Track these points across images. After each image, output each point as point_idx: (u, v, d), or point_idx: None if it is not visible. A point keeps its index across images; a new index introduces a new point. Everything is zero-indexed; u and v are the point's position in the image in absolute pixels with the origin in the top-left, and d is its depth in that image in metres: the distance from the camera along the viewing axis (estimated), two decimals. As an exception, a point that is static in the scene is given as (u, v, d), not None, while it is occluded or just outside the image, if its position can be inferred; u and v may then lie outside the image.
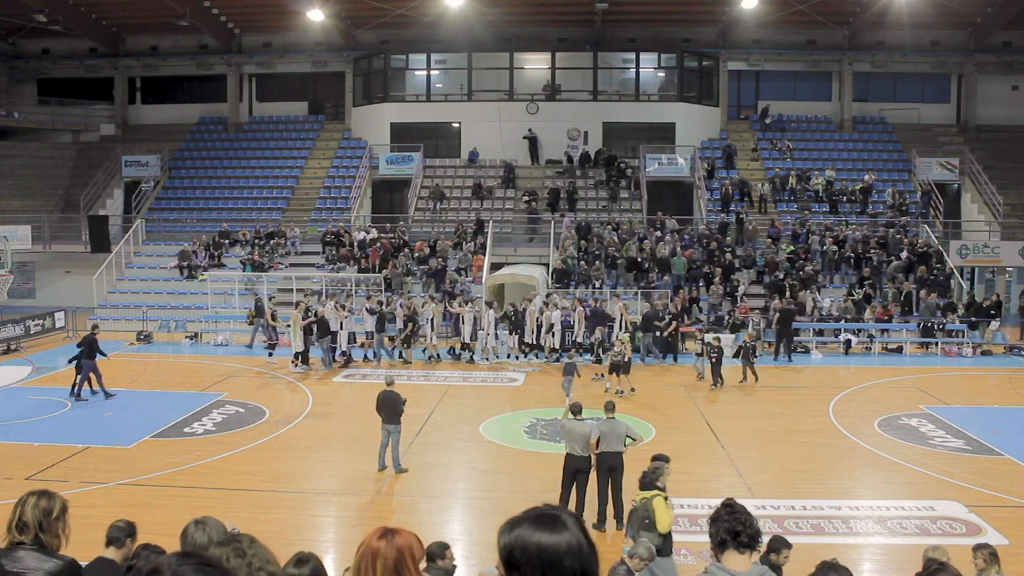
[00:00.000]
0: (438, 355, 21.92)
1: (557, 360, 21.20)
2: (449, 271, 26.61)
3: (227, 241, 29.64)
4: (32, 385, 19.13)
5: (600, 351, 21.25)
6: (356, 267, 27.48)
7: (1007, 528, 10.48)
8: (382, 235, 28.77)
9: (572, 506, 10.59)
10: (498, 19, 31.87)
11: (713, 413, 16.75)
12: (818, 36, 33.84)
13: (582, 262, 26.69)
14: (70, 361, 17.48)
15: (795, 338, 22.90)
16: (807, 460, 13.66)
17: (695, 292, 25.48)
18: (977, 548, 6.93)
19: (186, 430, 15.12)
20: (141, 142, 35.17)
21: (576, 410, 11.06)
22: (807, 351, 23.40)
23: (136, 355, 22.63)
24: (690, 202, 32.29)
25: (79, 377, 17.20)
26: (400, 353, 21.89)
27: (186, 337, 24.51)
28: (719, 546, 3.33)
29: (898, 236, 27.37)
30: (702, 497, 11.43)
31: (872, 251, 26.91)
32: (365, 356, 21.87)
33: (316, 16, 30.69)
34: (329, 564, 3.31)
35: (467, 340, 21.91)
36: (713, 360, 18.79)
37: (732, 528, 3.28)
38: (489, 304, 22.32)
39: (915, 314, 24.16)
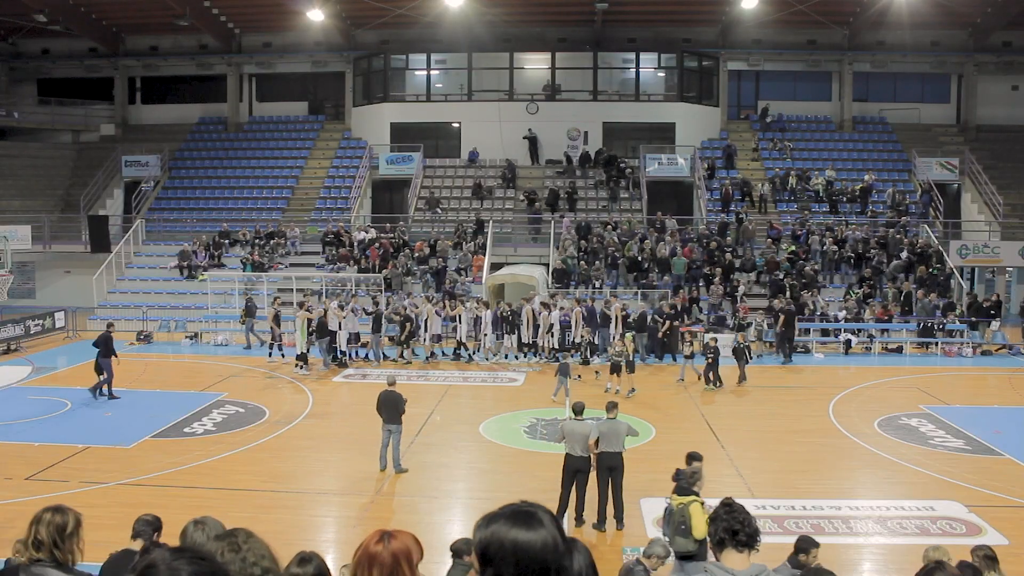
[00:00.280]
0: (433, 354, 21.87)
1: (555, 360, 21.22)
2: (449, 271, 26.61)
3: (227, 241, 29.64)
4: (32, 385, 19.14)
5: (587, 352, 21.26)
6: (356, 267, 27.48)
7: (1007, 528, 10.48)
8: (381, 235, 28.76)
9: (572, 506, 10.60)
10: (498, 19, 31.88)
11: (713, 413, 16.75)
12: (818, 36, 33.84)
13: (582, 262, 26.69)
14: (96, 369, 17.44)
15: (795, 338, 22.88)
16: (807, 460, 13.66)
17: (695, 292, 25.48)
18: (974, 551, 6.91)
19: (186, 430, 15.12)
20: (141, 142, 35.18)
21: (578, 410, 11.07)
22: (807, 351, 23.41)
23: (136, 355, 22.61)
24: (690, 202, 32.29)
25: (103, 377, 17.26)
26: (402, 353, 21.88)
27: (186, 337, 24.51)
28: (718, 545, 3.33)
29: (898, 236, 27.36)
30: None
31: (872, 251, 26.91)
32: (366, 356, 21.85)
33: (316, 16, 30.69)
34: (330, 564, 3.30)
35: (463, 339, 21.91)
36: (709, 360, 18.75)
37: (731, 527, 3.29)
38: (486, 304, 22.34)
39: (915, 314, 24.17)
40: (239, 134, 35.94)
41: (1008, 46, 33.39)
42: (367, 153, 33.32)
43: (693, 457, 9.02)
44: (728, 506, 3.41)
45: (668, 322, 22.11)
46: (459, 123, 34.44)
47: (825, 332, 24.00)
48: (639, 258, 26.67)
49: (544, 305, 21.94)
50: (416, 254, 27.69)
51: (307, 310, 20.60)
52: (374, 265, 27.22)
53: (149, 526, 5.83)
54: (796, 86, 35.11)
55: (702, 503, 8.16)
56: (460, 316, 21.89)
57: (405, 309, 21.98)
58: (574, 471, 10.50)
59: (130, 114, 37.10)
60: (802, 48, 34.25)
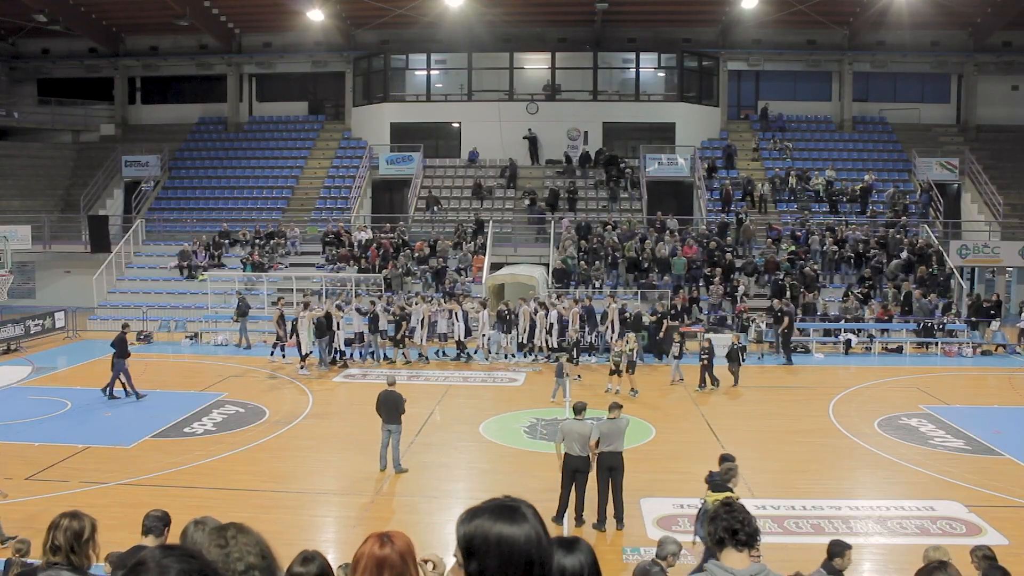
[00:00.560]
0: (427, 357, 21.89)
1: (555, 360, 21.25)
2: (449, 271, 26.61)
3: (227, 241, 29.64)
4: (32, 385, 19.14)
5: (574, 352, 21.28)
6: (356, 267, 27.48)
7: (1007, 528, 10.48)
8: (382, 235, 28.76)
9: (572, 506, 10.60)
10: (498, 19, 31.87)
11: (713, 413, 16.75)
12: (818, 36, 33.83)
13: (582, 262, 26.69)
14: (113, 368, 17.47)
15: (795, 338, 22.88)
16: (807, 460, 13.66)
17: (695, 292, 25.47)
18: (973, 551, 6.89)
19: (186, 430, 15.13)
20: (141, 142, 35.17)
21: (578, 409, 11.07)
22: (807, 351, 23.41)
23: (136, 355, 22.55)
24: (690, 202, 32.29)
25: (122, 378, 17.31)
26: (385, 354, 21.89)
27: (186, 337, 24.51)
28: (718, 544, 3.34)
29: (898, 236, 27.36)
30: (702, 497, 11.43)
31: (872, 251, 26.91)
32: (360, 354, 21.83)
33: (316, 16, 30.69)
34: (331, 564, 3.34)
35: (461, 339, 21.91)
36: (704, 361, 18.68)
37: (730, 526, 3.29)
38: (483, 304, 22.35)
39: (913, 314, 24.17)
40: (239, 134, 35.93)
41: (1008, 46, 33.38)
42: (367, 153, 33.32)
43: (726, 459, 8.97)
44: (728, 505, 3.41)
45: (664, 322, 22.07)
46: (459, 123, 34.43)
47: (827, 332, 23.98)
48: (639, 258, 26.66)
49: (540, 304, 21.93)
50: (416, 254, 27.69)
51: (312, 310, 20.64)
52: (374, 265, 27.23)
53: (160, 521, 5.92)
54: (796, 86, 35.10)
55: (736, 499, 8.19)
56: (457, 314, 21.88)
57: (402, 309, 21.99)
58: (573, 471, 10.50)
59: (130, 114, 37.09)
60: (802, 48, 34.24)
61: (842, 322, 23.83)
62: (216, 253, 28.89)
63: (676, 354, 19.42)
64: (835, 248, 27.08)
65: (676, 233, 28.24)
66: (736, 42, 34.02)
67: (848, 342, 23.18)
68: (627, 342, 18.61)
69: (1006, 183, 30.88)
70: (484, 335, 21.95)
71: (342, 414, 16.87)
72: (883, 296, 25.06)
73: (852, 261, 26.92)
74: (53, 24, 31.65)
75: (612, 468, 10.49)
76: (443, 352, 22.38)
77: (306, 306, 20.89)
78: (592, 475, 10.59)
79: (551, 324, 21.65)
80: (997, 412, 16.87)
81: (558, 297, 23.35)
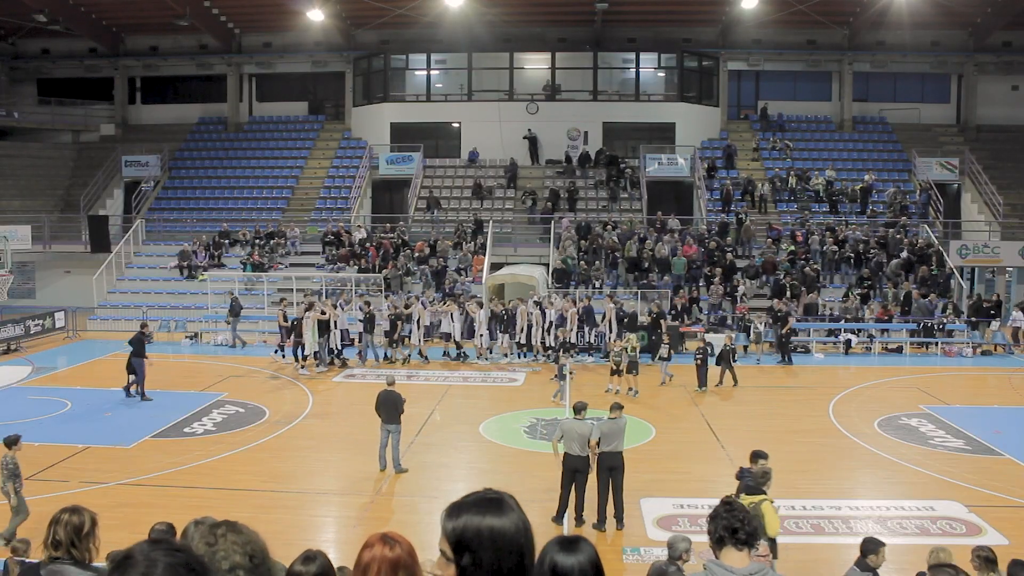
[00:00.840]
0: (426, 356, 21.90)
1: (553, 360, 21.30)
2: (449, 271, 26.62)
3: (227, 241, 29.64)
4: (32, 385, 19.13)
5: (560, 352, 21.27)
6: (356, 267, 27.48)
7: (1007, 528, 10.49)
8: (382, 235, 28.75)
9: (572, 506, 10.60)
10: (498, 19, 31.87)
11: (713, 413, 16.75)
12: (818, 36, 33.83)
13: (582, 262, 26.69)
14: (128, 369, 17.50)
15: (795, 338, 22.87)
16: (807, 460, 13.65)
17: (695, 292, 25.46)
18: (974, 552, 6.88)
19: (186, 430, 15.13)
20: (141, 142, 35.17)
21: (578, 408, 11.07)
22: (807, 351, 23.41)
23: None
24: (690, 202, 32.29)
25: (135, 377, 17.33)
26: (386, 354, 21.90)
27: (186, 337, 24.51)
28: (717, 543, 3.34)
29: (898, 236, 27.36)
30: (702, 497, 11.44)
31: (872, 251, 26.91)
32: (358, 353, 21.81)
33: (316, 16, 30.69)
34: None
35: (457, 339, 21.89)
36: (698, 362, 18.61)
37: (730, 525, 3.30)
38: (480, 303, 22.36)
39: (911, 314, 24.17)
40: (239, 134, 35.94)
41: (1008, 46, 33.39)
42: (367, 153, 33.32)
43: (759, 455, 8.93)
44: (728, 505, 3.42)
45: (660, 322, 22.03)
46: (459, 123, 34.44)
47: (828, 332, 23.96)
48: (639, 258, 26.64)
49: (537, 304, 21.92)
50: (416, 254, 27.68)
51: (316, 310, 20.68)
52: (374, 265, 27.23)
53: (163, 535, 5.94)
54: (796, 86, 35.11)
55: (771, 501, 8.17)
56: (453, 315, 21.87)
57: (397, 308, 21.98)
58: (573, 471, 10.50)
59: (130, 114, 37.09)
60: (802, 48, 34.25)
61: (842, 322, 23.82)
62: (216, 253, 28.90)
63: (664, 355, 19.21)
64: (835, 248, 27.07)
65: (676, 233, 28.22)
66: (736, 42, 34.02)
67: (848, 342, 23.18)
68: (627, 342, 18.57)
69: (1006, 183, 30.89)
70: (481, 335, 21.95)
71: (342, 414, 16.87)
72: (883, 296, 25.06)
73: (852, 261, 26.91)
74: (53, 24, 31.66)
75: (612, 468, 10.49)
76: (445, 353, 22.36)
77: (310, 306, 20.91)
78: (592, 475, 10.58)
79: (550, 323, 21.64)
80: (997, 412, 16.87)
81: (561, 296, 23.32)
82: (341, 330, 21.51)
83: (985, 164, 31.31)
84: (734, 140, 33.71)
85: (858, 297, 24.54)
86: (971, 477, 12.51)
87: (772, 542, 8.09)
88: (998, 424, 15.54)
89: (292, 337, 20.61)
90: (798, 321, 23.57)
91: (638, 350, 18.56)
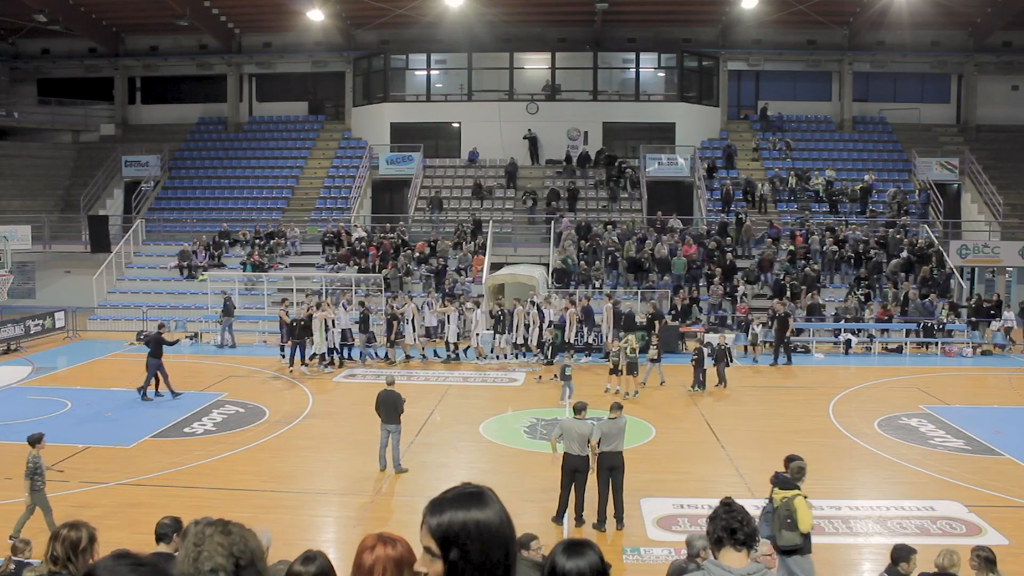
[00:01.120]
0: (423, 355, 21.90)
1: (546, 361, 21.34)
2: (449, 271, 26.62)
3: (227, 241, 29.64)
4: (32, 385, 19.13)
5: (548, 352, 21.26)
6: (356, 267, 27.49)
7: (1007, 528, 10.49)
8: (383, 236, 28.75)
9: (572, 506, 10.60)
10: (498, 19, 31.87)
11: (713, 413, 16.75)
12: (818, 36, 33.83)
13: (582, 262, 26.69)
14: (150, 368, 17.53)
15: (795, 338, 22.84)
16: (807, 460, 13.60)
17: (695, 292, 25.46)
18: (973, 552, 6.86)
19: (186, 430, 15.13)
20: (141, 142, 35.17)
21: (579, 408, 11.07)
22: (807, 351, 23.40)
23: (136, 355, 22.59)
24: (690, 202, 32.29)
25: (147, 377, 17.35)
26: (385, 353, 21.91)
27: (186, 337, 24.49)
28: (716, 543, 3.34)
29: (898, 236, 27.36)
30: (702, 497, 11.45)
31: (872, 251, 26.90)
32: (352, 355, 21.79)
33: (316, 16, 30.69)
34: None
35: (452, 340, 21.90)
36: (694, 362, 18.53)
37: (729, 526, 3.30)
38: (477, 303, 22.36)
39: (907, 314, 24.16)
40: (239, 134, 35.94)
41: (1008, 46, 33.38)
42: (367, 153, 33.32)
43: (793, 459, 8.85)
44: (727, 505, 3.41)
45: (656, 322, 22.00)
46: (459, 123, 34.44)
47: (836, 332, 23.90)
48: (639, 258, 26.62)
49: (533, 304, 21.92)
50: (416, 254, 27.68)
51: (323, 310, 20.72)
52: (374, 265, 27.23)
53: (169, 528, 6.02)
54: (796, 86, 35.10)
55: (805, 496, 8.13)
56: (449, 316, 21.87)
57: (393, 308, 21.97)
58: (572, 470, 10.50)
59: (130, 114, 37.09)
60: (802, 48, 34.25)
61: (842, 322, 23.81)
62: (216, 253, 28.90)
63: (653, 357, 18.97)
64: (835, 248, 27.07)
65: (676, 233, 28.21)
66: (736, 42, 34.02)
67: (848, 342, 23.17)
68: (626, 343, 18.48)
69: (1006, 183, 30.88)
70: (477, 334, 21.95)
71: (342, 414, 16.86)
72: (883, 296, 25.06)
73: (852, 261, 26.91)
74: (53, 24, 31.65)
75: (612, 468, 10.49)
76: (435, 352, 22.37)
77: (318, 306, 20.95)
78: (592, 475, 10.58)
79: (549, 323, 21.62)
80: (997, 412, 16.87)
81: (560, 297, 23.31)
82: (343, 330, 21.52)
83: (985, 164, 31.31)
84: (734, 140, 33.70)
85: (860, 297, 24.54)
86: (971, 477, 12.51)
87: (805, 537, 8.03)
88: (998, 424, 15.54)
89: (291, 338, 20.57)
90: (802, 321, 23.60)
91: (637, 351, 18.46)
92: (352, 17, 33.47)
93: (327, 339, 20.99)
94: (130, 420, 15.78)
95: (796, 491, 8.16)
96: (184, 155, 35.24)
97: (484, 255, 27.30)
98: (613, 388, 18.08)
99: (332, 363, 21.11)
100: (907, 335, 23.86)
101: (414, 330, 21.84)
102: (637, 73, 34.58)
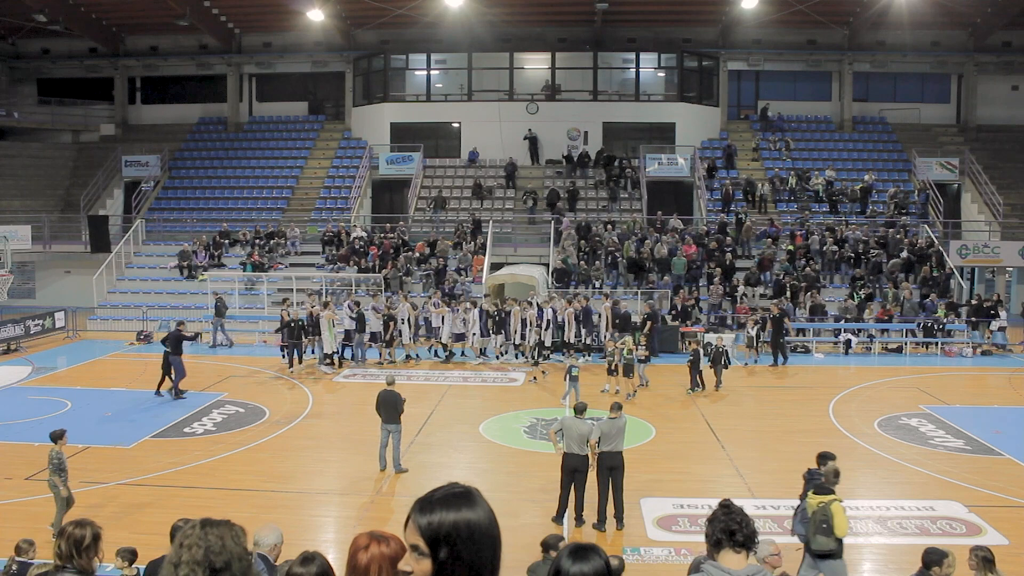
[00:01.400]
0: (410, 356, 21.90)
1: (534, 362, 21.38)
2: (449, 271, 26.62)
3: (227, 241, 29.64)
4: (32, 385, 19.13)
5: (534, 354, 21.23)
6: (356, 267, 27.49)
7: (1007, 528, 10.49)
8: (383, 236, 28.74)
9: (571, 506, 10.60)
10: (498, 19, 31.87)
11: (713, 413, 16.74)
12: (818, 36, 33.84)
13: (582, 262, 26.69)
14: (164, 368, 17.53)
15: (795, 338, 22.81)
16: (807, 460, 13.58)
17: (695, 292, 25.45)
18: (972, 552, 6.84)
19: (186, 430, 15.13)
20: (141, 142, 35.18)
21: (579, 409, 11.07)
22: (807, 351, 23.39)
23: (136, 355, 22.63)
24: (690, 202, 32.29)
25: (174, 376, 17.37)
26: (379, 353, 21.91)
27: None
28: (715, 545, 3.34)
29: (898, 236, 27.36)
30: (702, 497, 11.45)
31: (872, 251, 26.90)
32: (352, 357, 21.81)
33: (316, 16, 30.69)
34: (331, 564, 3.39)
35: (445, 340, 21.89)
36: (690, 364, 18.50)
37: (728, 527, 3.29)
38: (473, 303, 22.37)
39: (901, 314, 24.14)
40: (239, 134, 35.94)
41: (1008, 46, 33.39)
42: (367, 153, 33.32)
43: (827, 457, 8.84)
44: (726, 507, 3.41)
45: (648, 323, 21.99)
46: (459, 123, 34.44)
47: (836, 332, 23.88)
48: (640, 258, 26.60)
49: (528, 304, 21.91)
50: (416, 254, 27.68)
51: (331, 310, 20.76)
52: (374, 265, 27.23)
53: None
54: (796, 86, 35.11)
55: (840, 500, 8.11)
56: (443, 317, 21.85)
57: (388, 308, 21.98)
58: (572, 470, 10.50)
59: (130, 114, 37.10)
60: (802, 48, 34.25)
61: (842, 322, 23.81)
62: (216, 253, 28.90)
63: (640, 357, 18.82)
64: (835, 248, 27.06)
65: (676, 233, 28.19)
66: (736, 42, 34.02)
67: (848, 342, 23.16)
68: (623, 345, 18.41)
69: (1006, 183, 30.88)
70: (474, 334, 21.96)
71: (342, 414, 16.87)
72: (883, 296, 25.06)
73: (852, 261, 26.91)
74: (53, 24, 31.65)
75: (612, 468, 10.49)
76: (435, 352, 22.37)
77: (325, 306, 20.98)
78: (592, 475, 10.58)
79: (547, 322, 21.61)
80: (997, 412, 16.87)
81: (560, 297, 23.29)
82: (345, 331, 21.52)
83: (985, 164, 31.31)
84: (734, 140, 33.70)
85: (862, 297, 24.52)
86: (971, 477, 12.51)
87: (839, 542, 8.01)
88: (998, 424, 15.54)
89: (291, 338, 20.56)
90: (805, 321, 23.58)
91: (634, 352, 18.41)
92: (352, 17, 33.47)
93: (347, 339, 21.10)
94: (130, 420, 15.77)
95: (833, 496, 8.13)
96: (184, 155, 35.25)
97: (484, 255, 27.30)
98: (612, 388, 18.07)
99: (332, 363, 21.11)
100: (905, 335, 23.83)
101: (410, 329, 21.84)
102: (637, 73, 34.58)
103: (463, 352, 22.24)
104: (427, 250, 27.74)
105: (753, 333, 22.07)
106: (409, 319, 21.83)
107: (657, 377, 19.74)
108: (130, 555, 7.33)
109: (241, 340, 24.09)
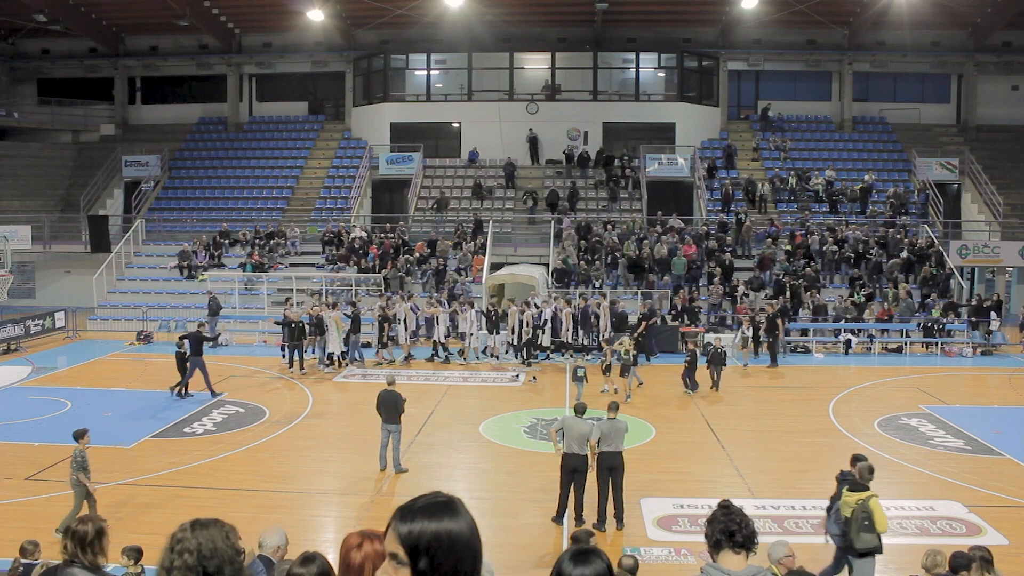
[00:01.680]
0: (412, 355, 21.91)
1: (527, 362, 21.38)
2: (449, 271, 26.62)
3: (227, 241, 29.64)
4: (32, 385, 19.13)
5: (525, 354, 21.20)
6: (356, 267, 27.49)
7: (1007, 528, 10.49)
8: (383, 236, 28.75)
9: (571, 506, 10.60)
10: (498, 19, 31.87)
11: (713, 413, 16.75)
12: (818, 36, 33.84)
13: (582, 262, 26.69)
14: (184, 363, 17.56)
15: (795, 338, 22.79)
16: (807, 460, 13.65)
17: (695, 292, 25.45)
18: (970, 551, 6.84)
19: (186, 430, 15.13)
20: (141, 142, 35.18)
21: (579, 410, 11.07)
22: (807, 351, 23.38)
23: (136, 355, 22.63)
24: (690, 202, 32.29)
25: (187, 376, 17.42)
26: (376, 352, 21.91)
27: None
28: (714, 546, 3.34)
29: (898, 236, 27.36)
30: (702, 497, 11.45)
31: (872, 251, 26.90)
32: (351, 356, 21.80)
33: (316, 16, 30.69)
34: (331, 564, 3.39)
35: (441, 340, 21.88)
36: (687, 364, 18.40)
37: (727, 528, 3.29)
38: (471, 303, 22.36)
39: (897, 313, 24.13)
40: (239, 134, 35.94)
41: (1008, 46, 33.39)
42: (367, 153, 33.32)
43: (859, 458, 8.78)
44: (726, 508, 3.41)
45: (644, 323, 21.97)
46: (459, 123, 34.44)
47: (836, 332, 23.86)
48: (640, 258, 26.59)
49: (526, 304, 21.89)
50: (416, 255, 27.67)
51: (337, 310, 20.78)
52: (374, 265, 27.23)
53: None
54: (796, 86, 35.11)
55: (877, 496, 8.11)
56: (438, 317, 21.85)
57: (384, 309, 21.98)
58: (571, 470, 10.50)
59: (130, 114, 37.10)
60: (802, 48, 34.25)
61: (842, 322, 23.81)
62: (216, 253, 28.90)
63: (632, 361, 18.49)
64: (835, 248, 27.06)
65: (676, 233, 28.18)
66: (736, 42, 34.02)
67: (848, 342, 23.16)
68: (620, 345, 18.36)
69: (1006, 183, 30.89)
70: (471, 334, 21.95)
71: (342, 414, 16.88)
72: (883, 296, 25.06)
73: (852, 261, 26.91)
74: (53, 24, 31.66)
75: (612, 468, 10.49)
76: (435, 353, 22.37)
77: (333, 306, 20.97)
78: (592, 475, 10.58)
79: (545, 322, 21.60)
80: (997, 412, 16.87)
81: (559, 297, 23.29)
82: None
83: (985, 164, 31.31)
84: (734, 140, 33.71)
85: (863, 298, 24.51)
86: (971, 477, 12.51)
87: (879, 538, 8.00)
88: (998, 424, 15.54)
89: (290, 339, 20.54)
90: (808, 321, 23.57)
91: (632, 353, 18.34)
92: (352, 17, 33.47)
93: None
94: (130, 420, 15.77)
95: (869, 492, 8.10)
96: (184, 155, 35.25)
97: (484, 255, 27.30)
98: (611, 388, 18.06)
99: (333, 363, 21.11)
100: (904, 335, 23.83)
101: (406, 329, 21.84)
102: (637, 73, 34.58)
103: (460, 352, 22.19)
104: (427, 250, 27.74)
105: (749, 333, 22.06)
106: (406, 320, 21.83)
107: (656, 377, 19.74)
108: (136, 553, 7.34)
109: (241, 340, 24.08)
